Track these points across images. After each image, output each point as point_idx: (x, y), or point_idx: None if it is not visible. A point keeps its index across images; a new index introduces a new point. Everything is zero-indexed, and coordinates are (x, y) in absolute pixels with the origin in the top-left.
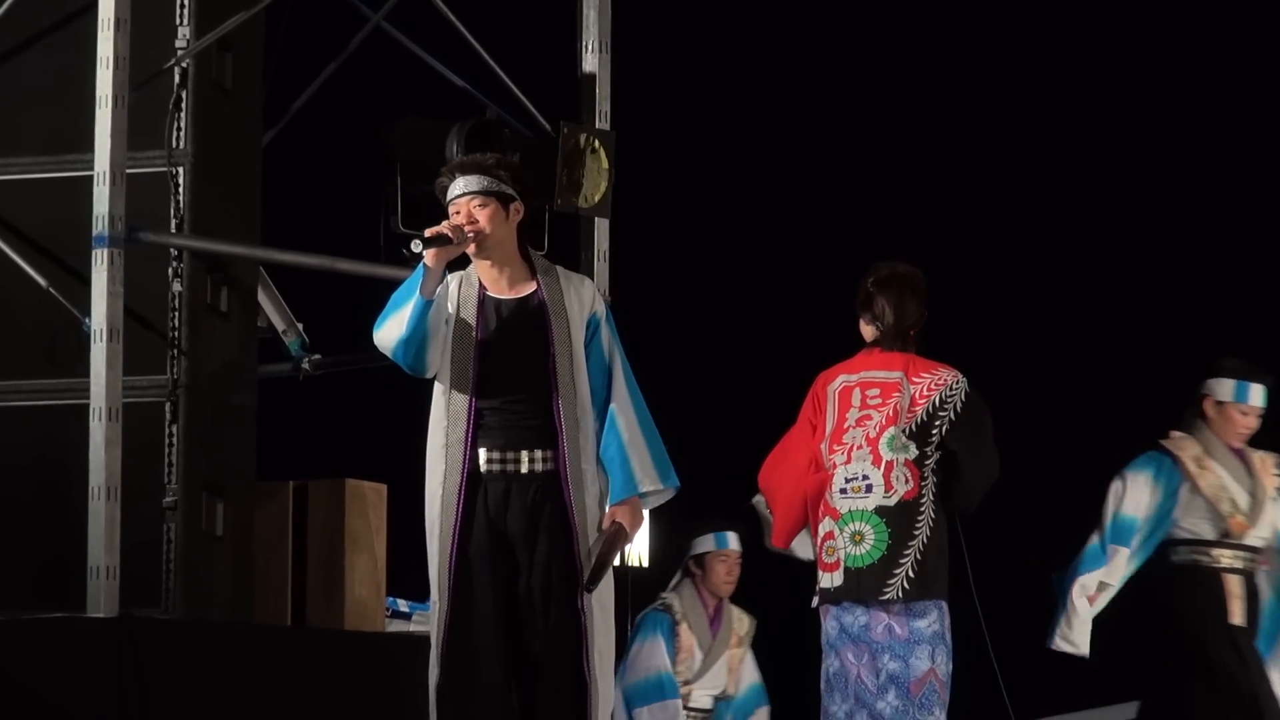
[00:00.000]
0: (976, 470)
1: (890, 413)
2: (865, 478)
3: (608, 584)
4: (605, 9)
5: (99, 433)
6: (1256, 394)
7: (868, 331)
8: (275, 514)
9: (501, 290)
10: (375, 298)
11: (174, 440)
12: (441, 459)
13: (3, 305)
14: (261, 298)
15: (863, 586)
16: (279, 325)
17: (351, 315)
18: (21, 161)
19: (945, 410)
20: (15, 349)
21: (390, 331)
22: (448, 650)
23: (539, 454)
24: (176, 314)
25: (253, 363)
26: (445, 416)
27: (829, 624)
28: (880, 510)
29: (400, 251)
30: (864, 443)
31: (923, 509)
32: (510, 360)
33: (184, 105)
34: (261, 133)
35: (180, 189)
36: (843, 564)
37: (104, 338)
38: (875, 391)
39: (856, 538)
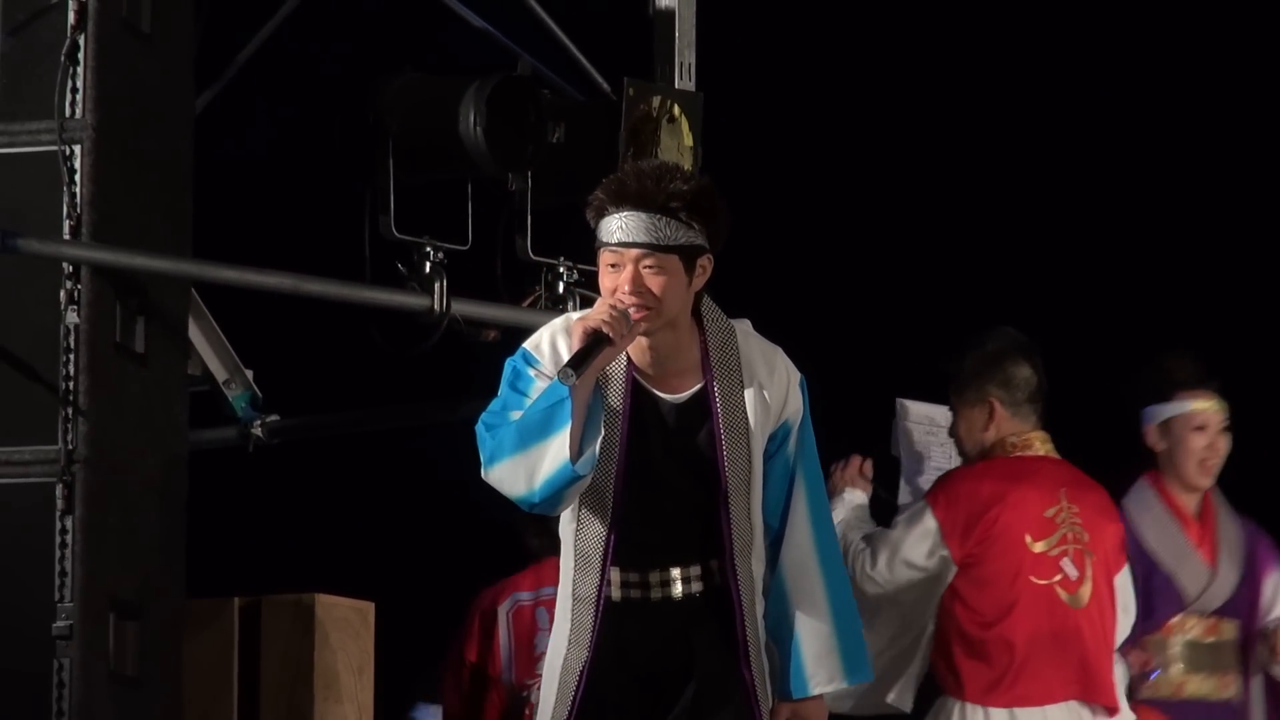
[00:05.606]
0: None
1: None
2: None
3: None
4: None
5: None
6: None
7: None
8: (215, 644)
9: (662, 380)
10: (356, 331)
11: (69, 539)
12: (568, 587)
13: None
14: (194, 334)
15: None
16: (219, 374)
17: (322, 359)
18: None
19: None
20: None
21: (514, 481)
22: None
23: (693, 570)
24: (72, 357)
25: (182, 427)
26: (572, 550)
27: None
28: None
29: (395, 267)
30: None
31: None
32: (669, 491)
33: (82, 57)
34: (194, 97)
35: (77, 176)
36: None
37: None
38: None
39: None
